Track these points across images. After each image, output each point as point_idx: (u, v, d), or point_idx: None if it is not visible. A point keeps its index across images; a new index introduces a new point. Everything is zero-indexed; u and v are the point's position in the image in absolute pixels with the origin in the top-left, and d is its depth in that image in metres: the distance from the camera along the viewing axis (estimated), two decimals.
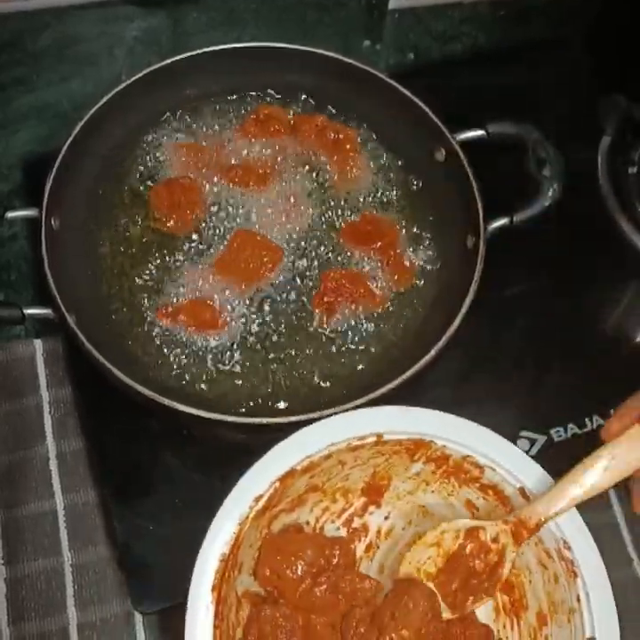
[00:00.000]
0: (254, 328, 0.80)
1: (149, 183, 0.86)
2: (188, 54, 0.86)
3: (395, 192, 0.88)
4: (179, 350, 0.78)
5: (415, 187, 0.88)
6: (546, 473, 0.65)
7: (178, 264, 0.82)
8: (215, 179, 0.86)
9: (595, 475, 0.61)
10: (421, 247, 0.85)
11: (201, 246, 0.83)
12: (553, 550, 0.64)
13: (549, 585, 0.66)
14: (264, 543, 0.66)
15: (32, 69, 0.97)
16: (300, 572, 0.65)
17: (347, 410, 0.70)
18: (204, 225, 0.84)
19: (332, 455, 0.65)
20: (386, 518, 0.72)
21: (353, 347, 0.80)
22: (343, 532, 0.71)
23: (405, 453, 0.67)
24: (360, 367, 0.79)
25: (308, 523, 0.70)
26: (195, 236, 0.84)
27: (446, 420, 0.67)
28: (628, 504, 0.72)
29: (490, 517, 0.68)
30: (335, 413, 0.70)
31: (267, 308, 0.81)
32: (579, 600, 0.63)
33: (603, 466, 0.61)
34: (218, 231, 0.84)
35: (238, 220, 0.84)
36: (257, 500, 0.62)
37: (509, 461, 0.66)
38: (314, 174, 0.88)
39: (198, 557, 0.60)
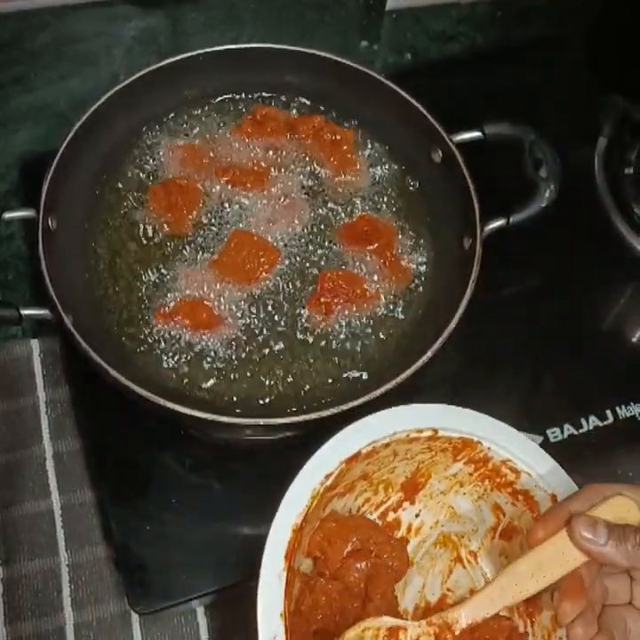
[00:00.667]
0: (251, 329, 0.80)
1: (147, 183, 0.86)
2: (186, 55, 0.86)
3: (392, 193, 0.88)
4: (176, 351, 0.78)
5: (412, 188, 0.88)
6: (574, 483, 0.65)
7: (175, 264, 0.82)
8: (213, 179, 0.86)
9: (521, 580, 0.58)
10: (418, 248, 0.85)
11: (198, 247, 0.83)
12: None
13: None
14: (326, 517, 0.67)
15: (30, 69, 0.97)
16: (349, 547, 0.67)
17: (343, 411, 0.71)
18: (201, 225, 0.84)
19: (391, 444, 0.66)
20: (417, 516, 0.73)
21: (349, 347, 0.80)
22: (379, 525, 0.72)
23: (451, 452, 0.69)
24: (357, 368, 0.79)
25: (350, 511, 0.70)
26: (192, 237, 0.83)
27: (492, 423, 0.68)
28: None
29: (516, 523, 0.69)
30: (333, 414, 0.71)
31: (264, 308, 0.81)
32: None
33: (529, 573, 0.58)
34: (215, 232, 0.84)
35: (235, 220, 0.84)
36: (327, 477, 0.63)
37: (545, 469, 0.66)
38: (311, 175, 0.88)
39: (273, 526, 0.61)
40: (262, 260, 0.82)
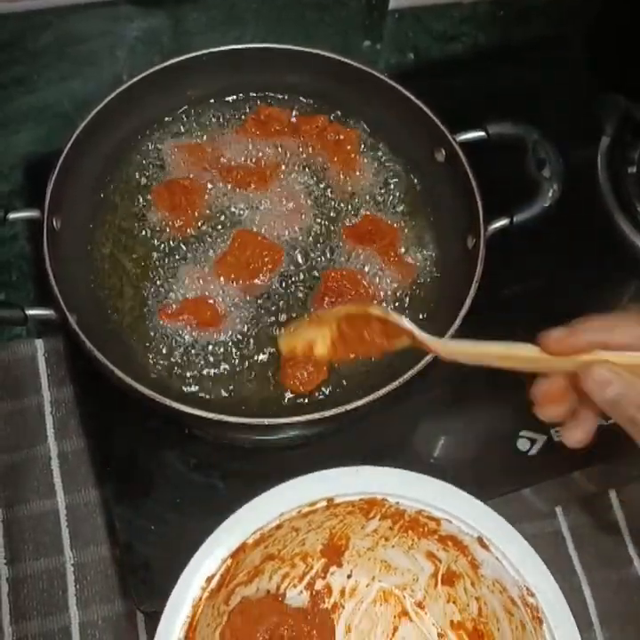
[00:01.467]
0: (255, 328, 0.80)
1: (151, 184, 0.86)
2: (190, 55, 0.86)
3: (395, 192, 0.88)
4: (180, 351, 0.78)
5: (415, 187, 0.88)
6: (505, 521, 0.64)
7: (179, 264, 0.82)
8: (216, 179, 0.86)
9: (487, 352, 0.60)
10: (422, 247, 0.85)
11: (202, 247, 0.83)
12: (517, 597, 0.64)
13: (517, 632, 0.65)
14: (235, 609, 0.65)
15: (32, 69, 0.97)
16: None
17: (347, 410, 0.71)
18: (204, 225, 0.84)
19: (284, 524, 0.64)
20: (348, 577, 0.72)
21: None
22: (306, 596, 0.70)
23: (359, 513, 0.67)
24: (360, 368, 0.79)
25: (268, 592, 0.69)
26: (196, 237, 0.84)
27: (397, 476, 0.65)
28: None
29: (454, 568, 0.68)
30: (336, 414, 0.71)
31: (268, 307, 0.81)
32: None
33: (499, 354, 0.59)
34: (218, 232, 0.84)
35: (239, 220, 0.85)
36: (208, 580, 0.61)
37: (465, 512, 0.64)
38: (314, 175, 0.88)
39: None
40: (266, 259, 0.82)
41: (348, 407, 0.71)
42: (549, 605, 0.62)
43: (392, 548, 0.70)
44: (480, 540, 0.64)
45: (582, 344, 0.57)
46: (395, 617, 0.71)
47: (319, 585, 0.71)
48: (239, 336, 0.80)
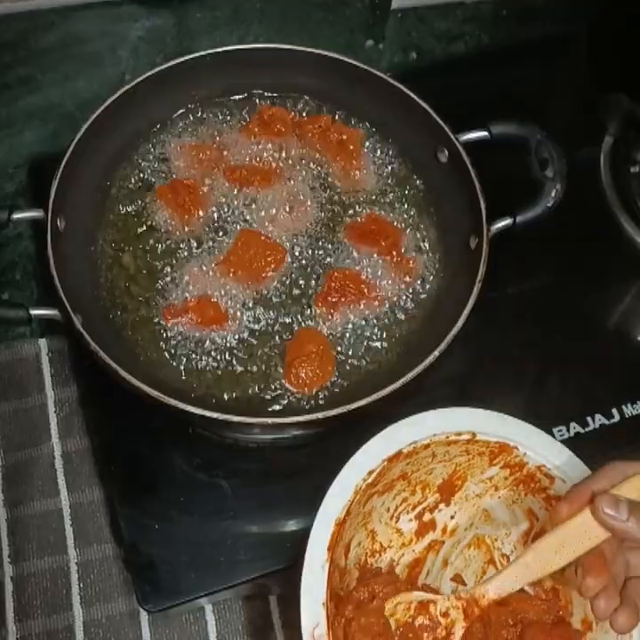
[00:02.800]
0: (259, 328, 0.80)
1: (155, 184, 0.86)
2: (194, 56, 0.86)
3: (398, 192, 0.88)
4: (184, 350, 0.79)
5: (419, 187, 0.89)
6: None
7: (183, 264, 0.82)
8: (220, 179, 0.86)
9: (546, 557, 0.61)
10: (425, 247, 0.85)
11: (206, 246, 0.83)
12: None
13: None
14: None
15: (37, 69, 0.97)
16: None
17: (350, 410, 0.71)
18: (208, 225, 0.84)
19: (431, 445, 0.68)
20: (452, 517, 0.74)
21: (356, 347, 0.80)
22: (415, 525, 0.73)
23: (488, 456, 0.70)
24: (363, 368, 0.79)
25: (388, 509, 0.72)
26: (199, 236, 0.84)
27: (528, 429, 0.69)
28: None
29: (546, 529, 0.69)
30: (339, 413, 0.71)
31: (271, 307, 0.81)
32: None
33: (553, 550, 0.60)
34: (222, 231, 0.84)
35: (242, 220, 0.85)
36: (370, 473, 0.65)
37: (577, 476, 0.67)
38: (317, 175, 0.88)
39: (316, 519, 0.63)
40: (269, 259, 0.82)
41: (351, 407, 0.71)
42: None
43: (498, 499, 0.73)
44: None
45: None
46: (484, 563, 0.74)
47: (426, 518, 0.74)
48: (243, 335, 0.80)
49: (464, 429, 0.68)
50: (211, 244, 0.83)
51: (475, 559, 0.74)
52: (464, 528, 0.74)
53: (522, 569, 0.62)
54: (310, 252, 0.84)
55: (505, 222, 0.81)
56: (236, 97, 0.91)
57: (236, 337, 0.80)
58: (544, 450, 0.69)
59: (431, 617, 0.64)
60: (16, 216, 0.78)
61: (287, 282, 0.83)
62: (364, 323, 0.81)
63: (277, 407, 0.77)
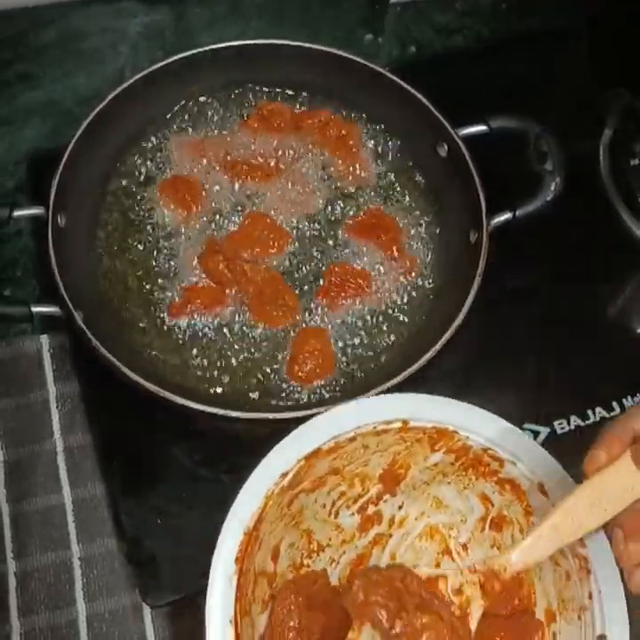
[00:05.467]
0: (261, 323, 0.80)
1: (155, 179, 0.86)
2: (193, 51, 0.86)
3: (398, 187, 0.88)
4: (184, 345, 0.79)
5: (418, 181, 0.89)
6: (567, 474, 0.63)
7: (184, 258, 0.83)
8: (220, 174, 0.87)
9: (578, 516, 0.53)
10: (425, 241, 0.85)
11: (206, 240, 0.83)
12: (567, 548, 0.61)
13: (560, 582, 0.64)
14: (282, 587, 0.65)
15: (36, 65, 0.98)
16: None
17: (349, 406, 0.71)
18: (208, 220, 0.85)
19: (357, 438, 0.65)
20: (400, 508, 0.71)
21: (356, 342, 0.80)
22: (357, 519, 0.70)
23: (427, 442, 0.67)
24: (363, 362, 0.80)
25: (323, 506, 0.69)
26: (200, 231, 0.84)
27: (470, 411, 0.66)
28: None
29: (505, 513, 0.68)
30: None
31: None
32: (590, 597, 0.61)
33: (587, 505, 0.52)
34: (223, 226, 0.84)
35: (243, 215, 0.85)
36: (283, 476, 0.62)
37: (530, 458, 0.64)
38: (317, 170, 0.88)
39: (223, 529, 0.60)
40: (272, 241, 0.83)
41: (349, 403, 0.71)
42: (598, 557, 0.61)
43: (448, 484, 0.70)
44: (540, 486, 0.64)
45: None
46: (438, 554, 0.71)
47: (371, 510, 0.70)
48: (244, 329, 0.80)
49: (393, 417, 0.65)
50: (211, 238, 0.83)
51: (427, 551, 0.71)
52: (414, 518, 0.71)
53: (550, 532, 0.54)
54: (310, 246, 0.84)
55: (505, 216, 0.81)
56: (236, 92, 0.91)
57: (237, 332, 0.80)
58: (490, 432, 0.65)
59: (440, 595, 0.57)
60: (17, 213, 0.78)
61: (286, 276, 0.83)
62: (364, 317, 0.81)
63: (279, 402, 0.77)
